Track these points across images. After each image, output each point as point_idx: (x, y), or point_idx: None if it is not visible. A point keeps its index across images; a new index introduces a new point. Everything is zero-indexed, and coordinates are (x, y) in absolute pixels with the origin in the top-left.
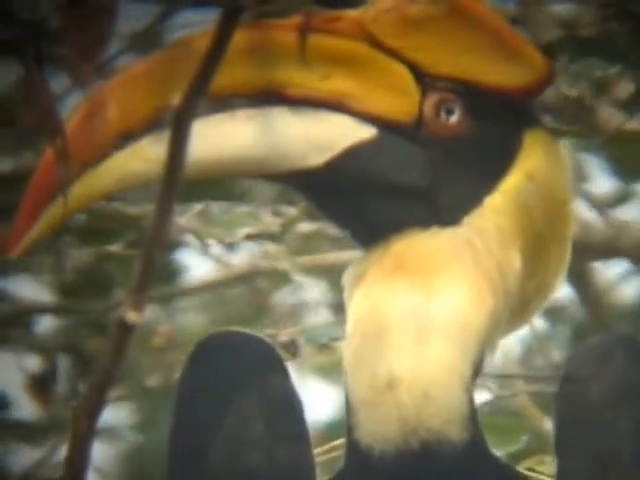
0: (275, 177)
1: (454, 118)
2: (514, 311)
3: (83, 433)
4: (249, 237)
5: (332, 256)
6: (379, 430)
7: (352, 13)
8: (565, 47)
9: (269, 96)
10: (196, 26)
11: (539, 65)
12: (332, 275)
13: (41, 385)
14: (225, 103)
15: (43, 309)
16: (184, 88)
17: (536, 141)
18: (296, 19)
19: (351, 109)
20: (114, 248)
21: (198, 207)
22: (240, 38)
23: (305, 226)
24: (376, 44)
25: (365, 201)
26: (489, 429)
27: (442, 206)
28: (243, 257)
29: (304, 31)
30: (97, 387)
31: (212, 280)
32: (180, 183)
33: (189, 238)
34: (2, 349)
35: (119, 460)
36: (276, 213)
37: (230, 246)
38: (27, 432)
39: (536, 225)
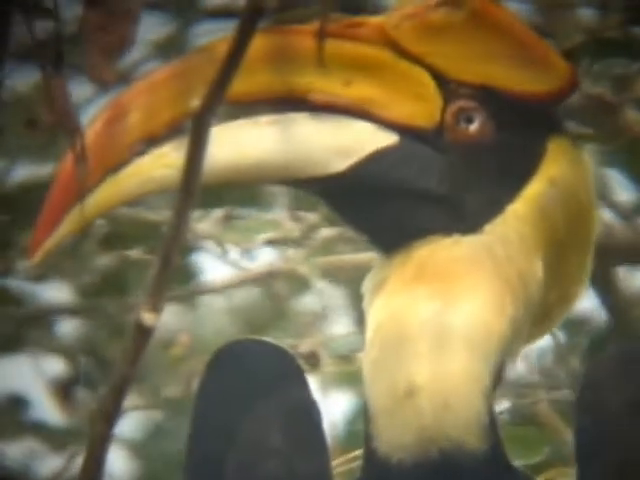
0: (297, 183)
1: (474, 125)
2: (536, 320)
3: (100, 437)
4: (269, 243)
5: (352, 258)
6: (398, 439)
7: (374, 19)
8: (587, 49)
9: (291, 102)
10: (218, 33)
11: (563, 72)
12: (353, 282)
13: (64, 390)
14: (247, 109)
15: (64, 312)
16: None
17: (560, 148)
18: (317, 24)
19: (373, 115)
20: (134, 253)
21: (218, 213)
22: (262, 43)
23: (325, 231)
24: (398, 50)
25: (387, 207)
26: (510, 439)
27: (464, 213)
28: (263, 263)
29: (321, 36)
30: (114, 391)
31: (231, 282)
32: (198, 188)
33: (209, 244)
34: (23, 351)
35: (137, 470)
36: (296, 219)
37: (250, 252)
38: (49, 435)
39: (559, 233)
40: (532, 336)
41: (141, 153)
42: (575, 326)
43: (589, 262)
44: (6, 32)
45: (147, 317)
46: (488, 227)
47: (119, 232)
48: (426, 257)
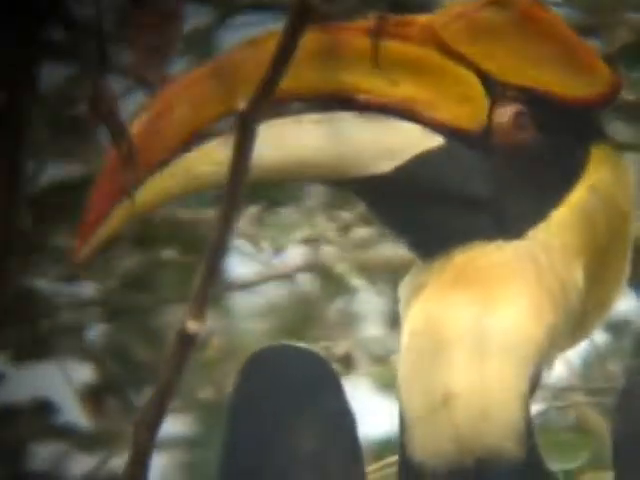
0: (341, 183)
1: (523, 129)
2: (573, 328)
3: (143, 446)
4: (304, 241)
5: (388, 258)
6: (433, 447)
7: (422, 18)
8: (627, 53)
9: (338, 101)
10: (252, 27)
11: (606, 77)
12: (388, 282)
13: (94, 395)
14: (293, 106)
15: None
16: (251, 90)
17: (602, 155)
18: (366, 22)
19: (419, 116)
20: (167, 254)
21: (252, 211)
22: (309, 40)
23: (361, 231)
24: (446, 50)
25: (430, 210)
26: (548, 445)
27: (507, 218)
28: (297, 261)
29: (377, 35)
30: (157, 399)
31: (264, 279)
32: (243, 189)
33: (243, 242)
34: (53, 357)
35: (173, 473)
36: (331, 218)
37: (284, 250)
38: (78, 439)
39: (600, 242)
40: (568, 343)
41: (187, 149)
42: (617, 329)
43: (626, 268)
44: (42, 33)
45: (191, 325)
46: (531, 233)
47: (151, 232)
48: (467, 263)
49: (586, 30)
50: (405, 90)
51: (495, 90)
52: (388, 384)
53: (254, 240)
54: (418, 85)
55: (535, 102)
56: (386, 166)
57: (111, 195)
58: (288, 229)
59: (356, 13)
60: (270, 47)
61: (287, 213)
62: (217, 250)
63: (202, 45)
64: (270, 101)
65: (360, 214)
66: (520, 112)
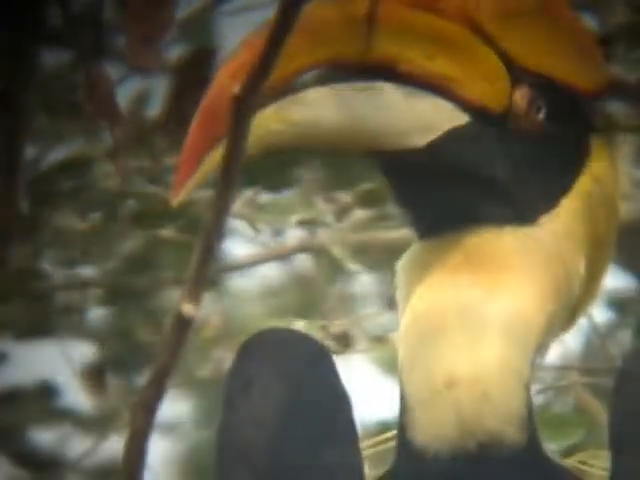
0: (374, 154)
1: (541, 114)
2: (569, 315)
3: (141, 428)
4: (301, 223)
5: (385, 238)
6: (435, 430)
7: None
8: (625, 33)
9: (379, 70)
10: (249, 12)
11: (604, 68)
12: (385, 262)
13: (95, 375)
14: (332, 75)
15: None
16: (332, 47)
17: (601, 146)
18: None
19: (449, 93)
20: (165, 233)
21: (249, 193)
22: (351, 9)
23: (359, 213)
24: (475, 29)
25: (449, 189)
26: (545, 423)
27: (520, 203)
28: (294, 243)
29: (371, 17)
30: (155, 381)
31: (261, 258)
32: (240, 171)
33: (240, 224)
34: (53, 337)
35: (172, 451)
36: (329, 199)
37: (281, 232)
38: (80, 420)
39: (600, 231)
40: (561, 331)
41: (264, 105)
42: (619, 308)
43: (610, 257)
44: (40, 18)
45: (187, 307)
46: (542, 220)
47: (148, 211)
48: (477, 245)
49: (583, 8)
50: (440, 65)
51: (515, 74)
52: (386, 363)
53: (251, 222)
54: (451, 61)
55: (546, 89)
56: (421, 140)
57: (206, 137)
58: (285, 211)
59: None
60: (351, 7)
61: (284, 195)
62: (213, 232)
63: (199, 31)
64: (264, 84)
65: (357, 196)
66: (535, 97)
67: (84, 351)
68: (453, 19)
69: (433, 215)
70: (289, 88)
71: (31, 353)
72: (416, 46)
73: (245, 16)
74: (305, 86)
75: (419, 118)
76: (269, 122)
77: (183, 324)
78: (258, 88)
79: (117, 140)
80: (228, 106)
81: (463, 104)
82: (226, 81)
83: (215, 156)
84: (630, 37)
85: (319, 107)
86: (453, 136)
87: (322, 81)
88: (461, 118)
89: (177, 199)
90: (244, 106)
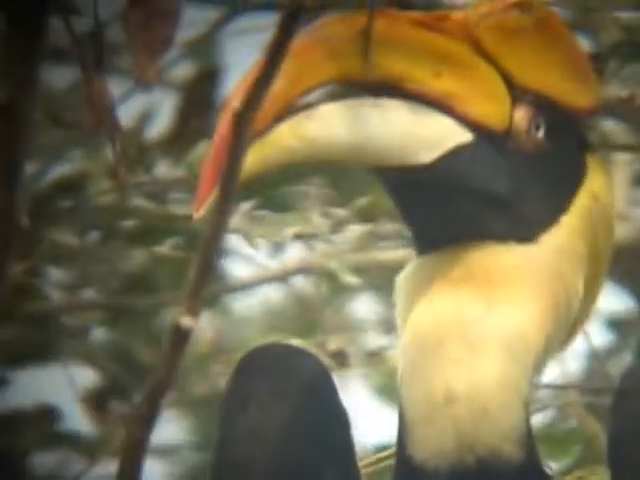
0: (382, 170)
1: (540, 133)
2: (566, 334)
3: (136, 442)
4: (298, 237)
5: (383, 256)
6: (435, 446)
7: (457, 14)
8: (617, 51)
9: (385, 88)
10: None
11: (597, 87)
12: (382, 280)
13: (97, 399)
14: (342, 92)
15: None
16: (340, 64)
17: (596, 164)
18: (414, 14)
19: (454, 111)
20: (163, 249)
21: (245, 207)
22: (357, 28)
23: (355, 228)
24: (477, 48)
25: (453, 206)
26: (544, 440)
27: (522, 221)
28: (291, 258)
29: (368, 33)
30: (151, 395)
31: (259, 278)
32: (238, 186)
33: (238, 241)
34: (54, 360)
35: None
36: (325, 214)
37: (278, 247)
38: (82, 445)
39: (598, 249)
40: (558, 349)
41: (282, 120)
42: (617, 330)
43: (605, 276)
44: (42, 31)
45: (185, 320)
46: (544, 238)
47: (147, 228)
48: (478, 261)
49: (576, 28)
50: (445, 83)
51: (515, 92)
52: (383, 382)
53: (248, 237)
54: (455, 79)
55: (544, 107)
56: (427, 157)
57: (224, 156)
58: (281, 225)
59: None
60: (360, 24)
61: (281, 210)
62: (211, 245)
63: (205, 51)
64: (263, 99)
65: (354, 211)
66: (534, 116)
67: (86, 375)
68: (457, 38)
69: (435, 230)
70: (302, 104)
71: (32, 376)
72: (422, 64)
73: (251, 37)
74: (317, 101)
75: (425, 135)
76: (285, 138)
77: (181, 336)
78: (258, 103)
79: (116, 155)
80: (265, 106)
81: (466, 122)
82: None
83: (245, 163)
84: (622, 55)
85: (332, 123)
86: (457, 154)
87: (333, 97)
88: (464, 136)
89: (199, 214)
90: (243, 121)
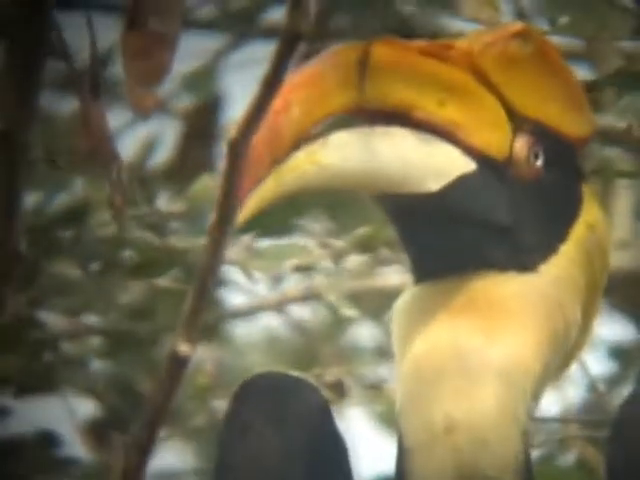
0: (388, 196)
1: (540, 162)
2: (562, 363)
3: (134, 470)
4: (297, 269)
5: (381, 286)
6: (433, 475)
7: (460, 43)
8: (613, 81)
9: (393, 117)
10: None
11: (591, 118)
12: (380, 310)
13: (98, 430)
14: (350, 120)
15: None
16: (353, 92)
17: (590, 193)
18: (423, 42)
19: (459, 139)
20: (162, 282)
21: (245, 239)
22: (370, 56)
23: (354, 258)
24: (480, 77)
25: (456, 234)
26: (545, 476)
27: (522, 251)
28: (290, 290)
29: (363, 63)
30: (148, 423)
31: (257, 309)
32: (234, 213)
33: (236, 272)
34: (55, 391)
35: None
36: (324, 245)
37: (277, 279)
38: (81, 472)
39: (595, 279)
40: (554, 379)
41: (299, 148)
42: (619, 359)
43: (599, 304)
44: (42, 60)
45: (182, 348)
46: (543, 267)
47: (147, 259)
48: (478, 290)
49: (576, 57)
50: (449, 112)
51: (516, 122)
52: (381, 413)
53: (245, 268)
54: (460, 108)
55: (543, 137)
56: (433, 186)
57: (254, 175)
58: (281, 258)
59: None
60: (381, 52)
61: (279, 241)
62: (207, 273)
63: (206, 82)
64: (258, 126)
65: (353, 241)
66: (534, 145)
67: (86, 405)
68: (461, 67)
69: (436, 259)
70: (316, 132)
71: (33, 406)
72: (429, 93)
73: (253, 67)
74: (328, 128)
75: (432, 164)
76: (302, 165)
77: (178, 364)
78: (252, 132)
79: (113, 185)
80: (284, 134)
81: (470, 151)
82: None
83: (262, 192)
84: (619, 84)
85: (345, 151)
86: (462, 183)
87: (344, 124)
88: (468, 165)
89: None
90: (239, 150)
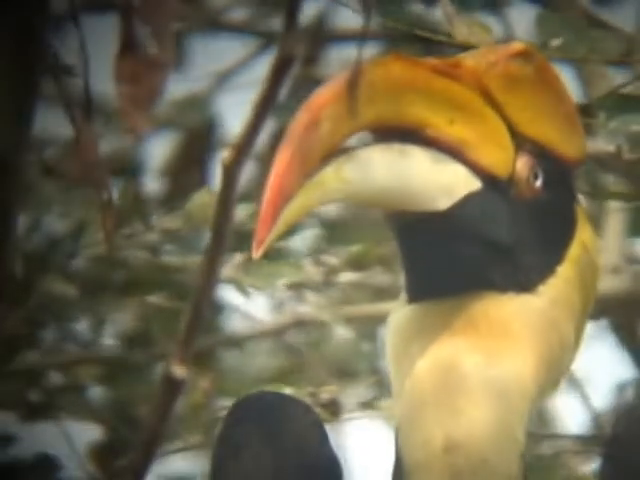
0: (397, 213)
1: (539, 182)
2: (552, 383)
3: None
4: (290, 287)
5: (375, 306)
6: None
7: (467, 61)
8: (603, 104)
9: (405, 133)
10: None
11: (585, 140)
12: (375, 330)
13: (100, 456)
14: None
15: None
16: (378, 109)
17: (583, 214)
18: (435, 60)
19: (466, 158)
20: (154, 300)
21: (238, 257)
22: (379, 73)
23: (348, 276)
24: (486, 96)
25: (458, 253)
26: None
27: (521, 271)
28: (284, 309)
29: (353, 84)
30: (144, 445)
31: (252, 333)
32: (230, 234)
33: (229, 289)
34: (58, 417)
35: None
36: (318, 263)
37: (270, 297)
38: None
39: (587, 300)
40: (543, 398)
41: (327, 163)
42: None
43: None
44: (37, 82)
45: (177, 370)
46: (541, 288)
47: (138, 279)
48: (479, 311)
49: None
50: (458, 130)
51: (518, 141)
52: (376, 431)
53: (240, 286)
54: (467, 127)
55: (542, 157)
56: (445, 203)
57: (281, 195)
58: (275, 275)
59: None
60: (397, 68)
61: (274, 259)
62: (202, 294)
63: (200, 107)
64: (252, 148)
65: (346, 259)
66: (534, 165)
67: (87, 432)
68: (468, 85)
69: (437, 278)
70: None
71: (35, 432)
72: (441, 111)
73: (246, 91)
74: (352, 145)
75: (442, 182)
76: (329, 180)
77: (173, 386)
78: (246, 154)
79: (104, 207)
80: (314, 149)
81: (476, 169)
82: (294, 141)
83: (287, 215)
84: (609, 107)
85: (369, 167)
86: (469, 201)
87: (366, 140)
88: (475, 183)
89: (258, 254)
90: (233, 172)
